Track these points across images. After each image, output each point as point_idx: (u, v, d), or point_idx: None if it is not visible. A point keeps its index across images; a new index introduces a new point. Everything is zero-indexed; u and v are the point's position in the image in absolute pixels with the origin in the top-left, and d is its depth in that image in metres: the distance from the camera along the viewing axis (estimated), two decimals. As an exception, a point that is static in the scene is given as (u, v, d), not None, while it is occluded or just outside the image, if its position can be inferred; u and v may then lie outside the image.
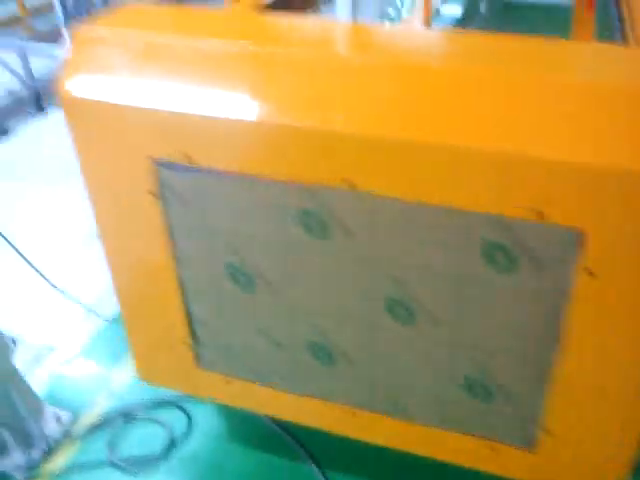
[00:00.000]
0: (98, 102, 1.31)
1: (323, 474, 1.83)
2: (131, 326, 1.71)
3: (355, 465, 1.85)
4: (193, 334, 1.63)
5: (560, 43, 1.28)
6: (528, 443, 1.41)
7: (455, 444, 1.50)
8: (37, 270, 2.26)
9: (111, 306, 2.35)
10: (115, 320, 2.32)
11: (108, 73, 1.32)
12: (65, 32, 3.68)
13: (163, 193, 1.39)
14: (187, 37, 1.34)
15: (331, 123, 1.17)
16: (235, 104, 1.23)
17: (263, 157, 1.26)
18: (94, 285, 2.54)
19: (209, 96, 1.25)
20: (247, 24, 1.48)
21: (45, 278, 2.32)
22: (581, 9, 2.59)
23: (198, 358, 1.67)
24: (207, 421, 2.00)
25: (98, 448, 1.94)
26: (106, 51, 1.34)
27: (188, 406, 2.04)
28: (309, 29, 1.43)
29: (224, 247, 1.43)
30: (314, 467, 1.85)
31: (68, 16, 3.90)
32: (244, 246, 1.41)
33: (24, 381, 1.88)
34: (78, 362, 2.29)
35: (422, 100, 1.14)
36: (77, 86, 1.32)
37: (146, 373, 1.81)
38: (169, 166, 1.34)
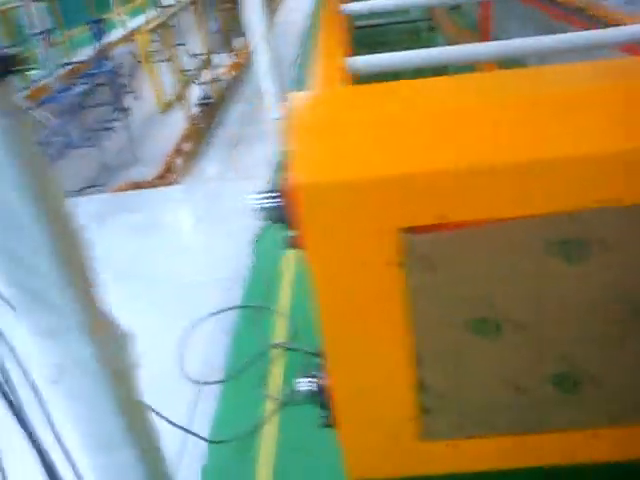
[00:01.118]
0: (337, 184, 1.28)
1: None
2: (348, 417, 1.60)
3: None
4: (422, 406, 1.57)
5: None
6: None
7: None
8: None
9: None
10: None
11: (344, 153, 1.31)
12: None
13: (407, 261, 1.36)
14: (413, 104, 1.40)
15: (604, 146, 1.25)
16: (488, 152, 1.28)
17: (525, 195, 1.29)
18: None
19: (460, 150, 1.29)
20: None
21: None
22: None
23: (422, 432, 1.60)
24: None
25: None
26: (335, 133, 1.35)
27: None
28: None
29: (471, 302, 1.42)
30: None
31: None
32: (493, 294, 1.41)
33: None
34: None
35: None
36: (311, 173, 1.29)
37: (359, 470, 1.70)
38: (418, 232, 1.32)
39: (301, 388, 1.76)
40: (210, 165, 5.88)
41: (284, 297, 3.59)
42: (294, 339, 3.18)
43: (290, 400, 2.81)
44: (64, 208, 1.23)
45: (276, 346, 3.16)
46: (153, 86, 5.61)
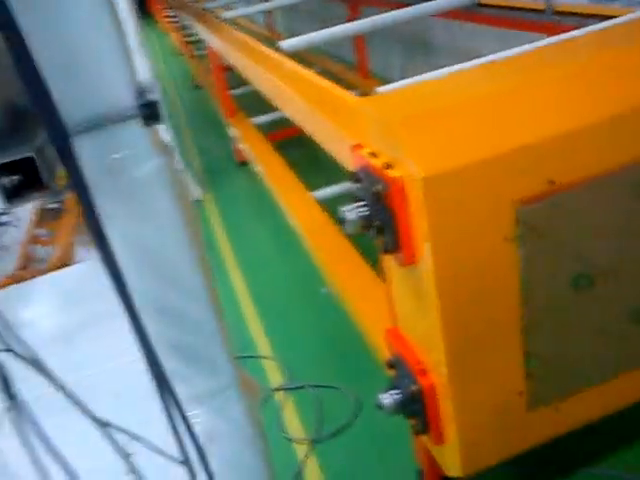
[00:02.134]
0: (455, 171, 1.29)
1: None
2: (463, 408, 1.55)
3: None
4: (529, 376, 1.58)
5: None
6: None
7: None
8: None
9: None
10: None
11: (444, 142, 1.32)
12: None
13: (520, 234, 1.40)
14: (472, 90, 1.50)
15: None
16: (574, 115, 1.37)
17: (616, 146, 1.40)
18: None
19: (549, 118, 1.36)
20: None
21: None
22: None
23: (529, 402, 1.61)
24: None
25: None
26: (423, 126, 1.35)
27: None
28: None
29: (571, 259, 1.49)
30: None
31: None
32: (589, 248, 1.50)
33: None
34: None
35: None
36: (425, 165, 1.28)
37: (473, 462, 1.66)
38: (530, 202, 1.37)
39: (388, 402, 1.72)
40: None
41: (261, 340, 3.45)
42: (292, 378, 3.06)
43: (319, 436, 2.69)
44: (205, 255, 1.11)
45: (278, 389, 3.02)
46: None
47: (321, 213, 3.41)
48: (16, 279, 4.24)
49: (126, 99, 0.87)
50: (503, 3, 3.24)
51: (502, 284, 1.46)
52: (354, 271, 2.77)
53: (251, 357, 3.26)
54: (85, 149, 0.85)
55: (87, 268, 4.40)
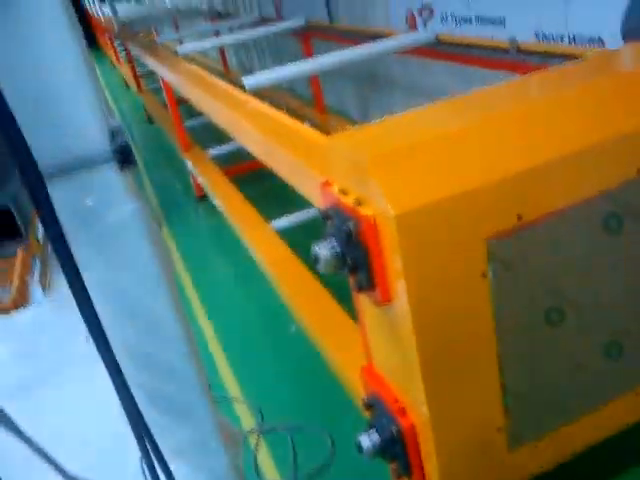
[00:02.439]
0: (427, 207, 1.29)
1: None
2: (444, 447, 1.52)
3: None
4: (507, 412, 1.57)
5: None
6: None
7: None
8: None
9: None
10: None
11: (414, 178, 1.33)
12: None
13: (492, 269, 1.40)
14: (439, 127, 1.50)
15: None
16: (541, 150, 1.40)
17: (582, 180, 1.44)
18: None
19: (517, 153, 1.38)
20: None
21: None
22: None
23: (509, 438, 1.59)
24: None
25: None
26: (392, 162, 1.35)
27: None
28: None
29: (544, 294, 1.50)
30: None
31: None
32: (560, 281, 1.52)
33: None
34: None
35: None
36: (402, 203, 1.27)
37: None
38: (500, 237, 1.38)
39: (367, 446, 1.68)
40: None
41: (229, 381, 3.36)
42: (264, 420, 2.98)
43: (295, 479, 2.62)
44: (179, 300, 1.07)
45: (251, 432, 2.93)
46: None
47: (284, 246, 3.38)
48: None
49: (100, 142, 0.84)
50: (464, 41, 3.32)
51: (477, 319, 1.46)
52: (321, 306, 2.74)
53: (222, 399, 3.17)
54: (58, 194, 0.81)
55: (44, 311, 4.26)
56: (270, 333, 3.71)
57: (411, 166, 1.38)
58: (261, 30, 5.84)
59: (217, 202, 4.45)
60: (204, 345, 3.67)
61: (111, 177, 0.87)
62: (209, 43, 6.52)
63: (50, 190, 0.73)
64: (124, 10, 17.08)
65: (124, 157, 0.86)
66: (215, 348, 3.68)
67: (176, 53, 5.07)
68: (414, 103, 1.72)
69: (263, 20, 7.28)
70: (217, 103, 2.87)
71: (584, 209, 1.49)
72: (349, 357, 2.23)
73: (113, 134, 0.86)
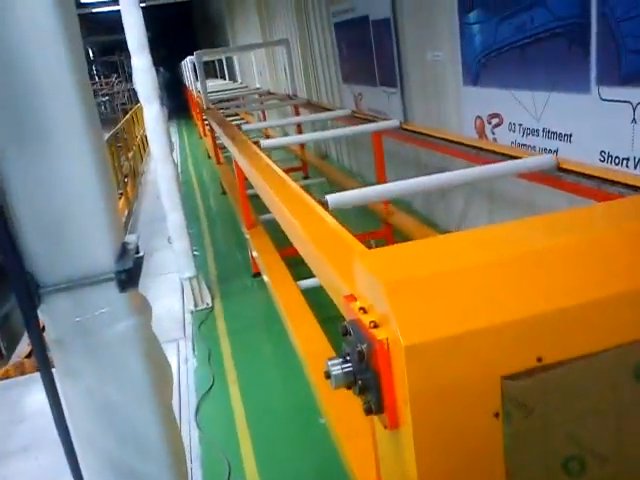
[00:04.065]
0: (442, 340, 1.27)
1: None
2: None
3: None
4: None
5: None
6: None
7: None
8: None
9: None
10: None
11: (434, 308, 1.31)
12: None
13: (507, 410, 1.34)
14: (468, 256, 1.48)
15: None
16: (571, 291, 1.35)
17: (616, 325, 1.36)
18: None
19: (543, 292, 1.35)
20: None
21: None
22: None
23: None
24: None
25: None
26: (416, 289, 1.35)
27: None
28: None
29: (562, 441, 1.42)
30: None
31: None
32: (582, 429, 1.42)
33: None
34: None
35: None
36: (414, 333, 1.26)
37: None
38: (518, 378, 1.32)
39: None
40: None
41: (249, 465, 3.30)
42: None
43: None
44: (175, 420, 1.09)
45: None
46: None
47: (323, 338, 3.38)
48: None
49: (105, 261, 0.89)
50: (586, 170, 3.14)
51: (485, 461, 1.39)
52: (347, 407, 2.69)
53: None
54: (59, 306, 0.86)
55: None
56: (300, 421, 3.64)
57: (429, 296, 1.37)
58: (352, 129, 5.91)
59: (267, 283, 4.53)
60: (231, 421, 3.63)
61: (111, 295, 0.92)
62: (292, 140, 6.87)
63: (52, 301, 0.77)
64: (217, 86, 18.32)
65: (127, 278, 0.90)
66: (241, 426, 3.64)
67: (258, 145, 5.00)
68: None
69: (354, 116, 7.00)
70: (273, 195, 2.98)
71: (614, 355, 1.42)
72: (366, 466, 2.16)
73: (125, 251, 0.91)
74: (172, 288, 5.98)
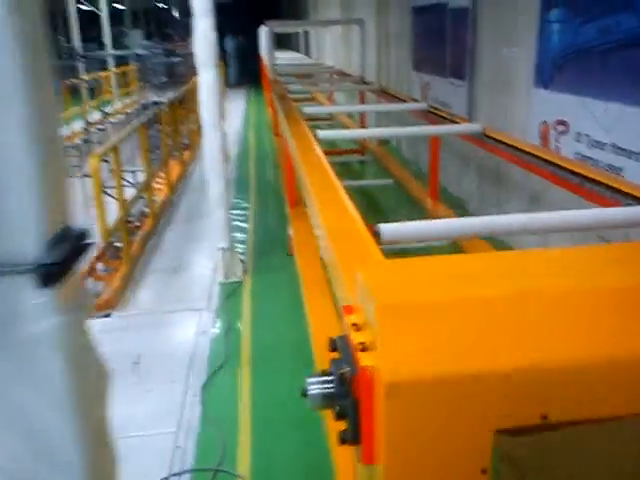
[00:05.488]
0: (430, 381, 1.12)
1: None
2: None
3: None
4: None
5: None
6: None
7: None
8: None
9: None
10: None
11: (427, 343, 1.15)
12: None
13: (497, 467, 1.18)
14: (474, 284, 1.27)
15: None
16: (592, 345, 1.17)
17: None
18: None
19: (555, 341, 1.16)
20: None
21: None
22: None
23: None
24: None
25: None
26: (413, 318, 1.18)
27: None
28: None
29: None
30: None
31: None
32: None
33: None
34: None
35: None
36: (399, 369, 1.12)
37: None
38: (513, 434, 1.15)
39: None
40: (145, 294, 5.48)
41: (243, 456, 3.21)
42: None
43: None
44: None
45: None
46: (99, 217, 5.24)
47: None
48: None
49: (29, 250, 0.77)
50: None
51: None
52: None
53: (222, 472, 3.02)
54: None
55: None
56: (304, 420, 3.50)
57: (426, 326, 1.20)
58: (427, 129, 5.56)
59: (298, 266, 4.42)
60: (235, 405, 3.51)
61: (33, 288, 0.80)
62: (355, 134, 6.64)
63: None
64: (289, 59, 18.18)
65: (54, 271, 0.78)
66: (244, 417, 3.54)
67: (315, 136, 4.43)
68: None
69: (430, 111, 6.42)
70: (309, 184, 2.82)
71: (628, 423, 1.22)
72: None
73: (62, 240, 0.78)
74: (209, 256, 5.93)
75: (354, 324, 1.36)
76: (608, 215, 2.36)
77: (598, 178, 2.99)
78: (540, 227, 2.19)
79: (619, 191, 2.76)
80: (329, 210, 2.34)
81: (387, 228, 2.21)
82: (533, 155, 3.79)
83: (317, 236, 2.37)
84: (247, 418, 3.51)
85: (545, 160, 3.62)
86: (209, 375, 3.93)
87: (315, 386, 1.33)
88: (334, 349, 1.41)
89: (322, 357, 3.01)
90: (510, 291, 1.29)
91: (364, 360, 1.22)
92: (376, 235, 2.18)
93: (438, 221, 2.34)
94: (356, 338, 1.30)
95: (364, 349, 1.25)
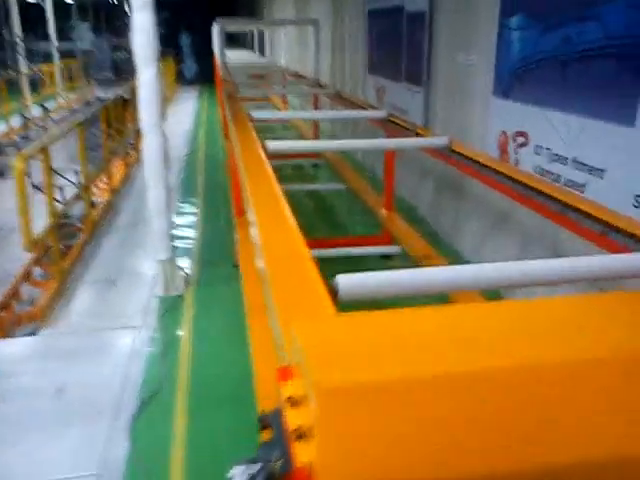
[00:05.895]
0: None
1: None
2: None
3: None
4: None
5: None
6: None
7: None
8: None
9: None
10: None
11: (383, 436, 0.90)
12: None
13: None
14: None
15: None
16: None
17: None
18: None
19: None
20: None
21: None
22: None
23: None
24: None
25: None
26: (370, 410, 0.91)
27: None
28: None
29: None
30: None
31: None
32: None
33: None
34: None
35: None
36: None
37: None
38: None
39: None
40: (77, 308, 5.03)
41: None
42: None
43: None
44: None
45: None
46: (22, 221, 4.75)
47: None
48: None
49: None
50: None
51: None
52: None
53: None
54: None
55: None
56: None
57: (375, 414, 0.91)
58: (388, 142, 5.06)
59: (242, 284, 4.09)
60: (165, 451, 3.17)
61: None
62: (307, 146, 6.38)
63: None
64: (242, 58, 17.73)
65: None
66: (176, 459, 3.18)
67: (265, 149, 4.05)
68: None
69: (390, 120, 5.64)
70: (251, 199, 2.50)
71: None
72: None
73: None
74: (150, 266, 5.52)
75: (289, 397, 1.06)
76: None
77: (578, 205, 2.73)
78: (526, 278, 1.83)
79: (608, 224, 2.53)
80: (272, 238, 2.02)
81: (345, 281, 1.75)
82: (504, 175, 3.43)
83: (258, 267, 2.04)
84: (179, 460, 3.15)
85: (516, 180, 3.29)
86: (140, 405, 3.55)
87: (241, 477, 1.03)
88: (264, 426, 1.10)
89: (265, 394, 2.69)
90: (476, 367, 1.00)
91: (300, 454, 0.92)
92: (333, 290, 1.82)
93: (410, 272, 1.93)
94: (292, 419, 0.99)
95: (301, 436, 0.96)
